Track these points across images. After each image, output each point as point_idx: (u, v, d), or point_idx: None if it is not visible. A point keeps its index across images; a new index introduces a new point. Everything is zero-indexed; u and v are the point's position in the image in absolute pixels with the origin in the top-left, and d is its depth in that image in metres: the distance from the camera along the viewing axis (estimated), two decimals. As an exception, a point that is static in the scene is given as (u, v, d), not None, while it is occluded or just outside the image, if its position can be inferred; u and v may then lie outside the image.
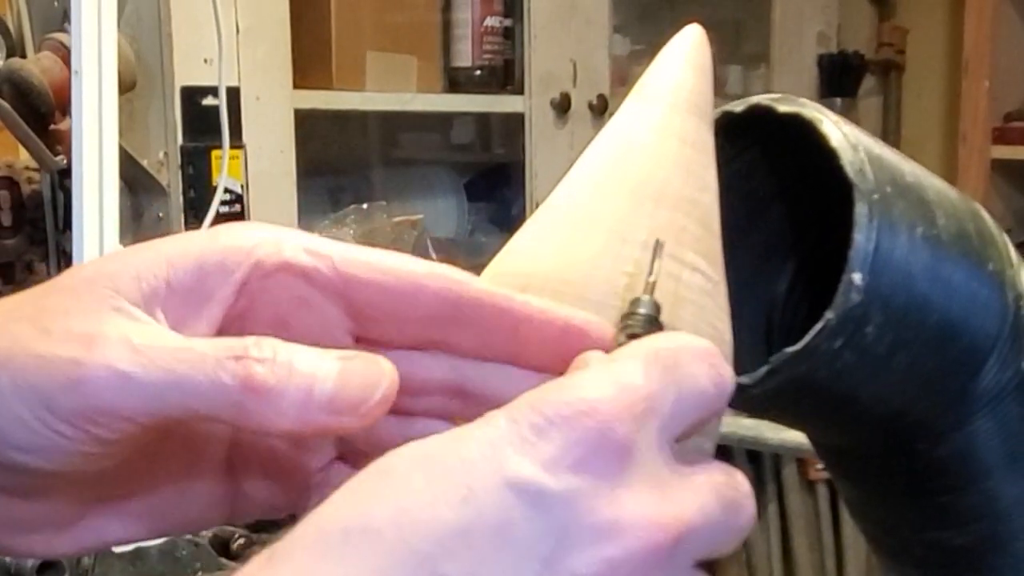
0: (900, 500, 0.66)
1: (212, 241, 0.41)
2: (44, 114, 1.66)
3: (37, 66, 1.68)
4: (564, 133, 2.41)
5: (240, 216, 1.88)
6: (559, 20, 2.39)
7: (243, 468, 0.46)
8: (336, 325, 0.42)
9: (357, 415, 0.38)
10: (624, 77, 2.70)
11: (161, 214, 1.84)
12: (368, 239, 1.86)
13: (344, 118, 2.22)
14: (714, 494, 0.38)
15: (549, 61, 2.38)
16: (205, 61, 1.86)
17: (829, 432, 0.63)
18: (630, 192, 0.49)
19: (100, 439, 0.38)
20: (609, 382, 0.37)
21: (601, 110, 2.43)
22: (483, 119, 2.58)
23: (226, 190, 1.86)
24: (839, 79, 3.28)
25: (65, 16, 1.84)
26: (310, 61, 2.12)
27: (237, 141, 1.88)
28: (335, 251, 0.41)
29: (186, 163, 1.81)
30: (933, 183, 0.60)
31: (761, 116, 0.59)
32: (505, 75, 2.38)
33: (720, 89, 2.90)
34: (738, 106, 0.60)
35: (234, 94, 1.89)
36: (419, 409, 0.44)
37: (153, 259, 0.40)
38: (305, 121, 2.05)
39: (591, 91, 2.42)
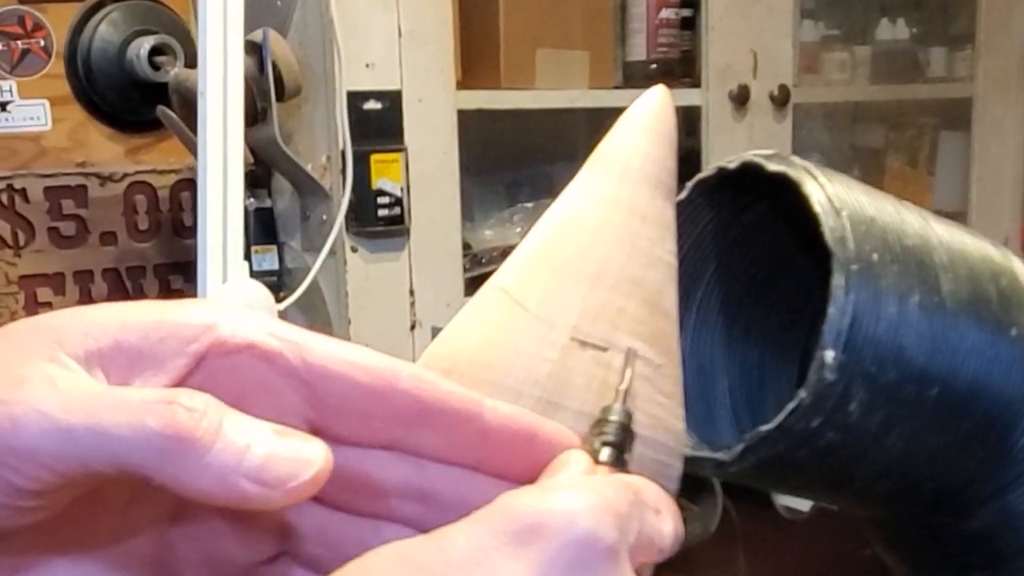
0: (934, 574, 0.62)
1: (173, 310, 0.40)
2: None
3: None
4: (743, 126, 2.35)
5: (400, 219, 1.90)
6: (739, 9, 2.33)
7: (182, 549, 0.45)
8: (295, 413, 0.41)
9: (282, 491, 0.36)
10: (812, 65, 2.62)
11: (325, 216, 1.87)
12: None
13: (518, 114, 2.21)
14: None
15: (728, 52, 2.32)
16: (367, 66, 1.89)
17: (838, 504, 0.60)
18: (565, 272, 0.47)
19: (18, 490, 0.37)
20: (590, 490, 0.36)
21: (782, 101, 2.36)
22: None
23: (385, 193, 1.88)
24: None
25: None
26: (477, 61, 2.12)
27: (398, 144, 1.91)
28: (302, 338, 0.40)
29: (347, 167, 1.84)
30: (949, 242, 0.56)
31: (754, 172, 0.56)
32: (682, 68, 2.34)
33: (921, 73, 2.79)
34: (731, 162, 0.57)
35: (396, 97, 1.91)
36: (376, 511, 0.43)
37: (106, 318, 0.39)
38: (473, 118, 2.06)
39: (772, 82, 2.35)
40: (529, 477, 0.40)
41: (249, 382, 0.40)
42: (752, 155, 0.56)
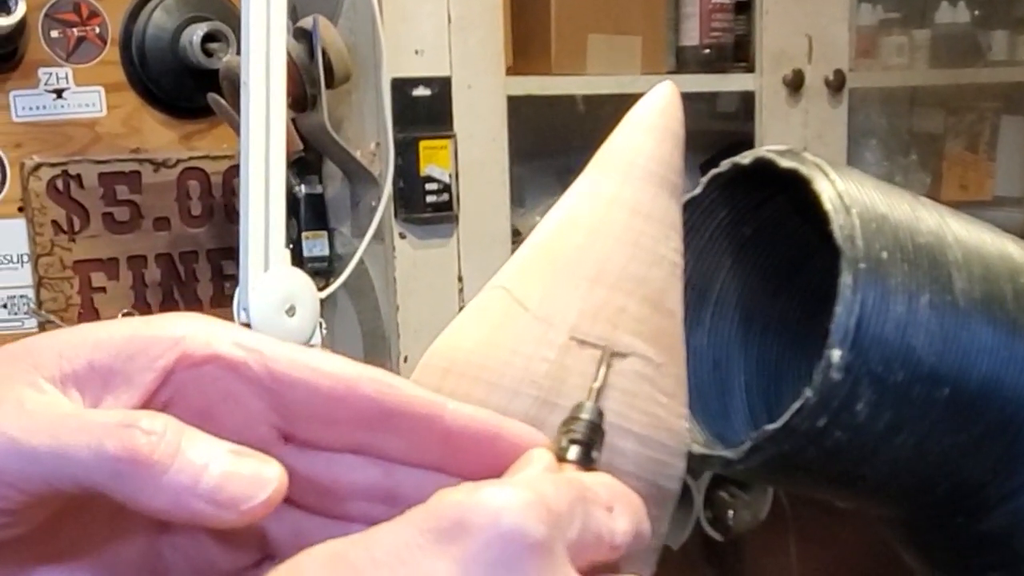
0: (952, 573, 0.61)
1: (142, 327, 0.41)
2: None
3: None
4: (798, 111, 2.32)
5: (448, 206, 1.90)
6: (794, -6, 2.31)
7: (170, 557, 0.46)
8: (262, 421, 0.42)
9: (236, 512, 0.37)
10: (869, 50, 2.58)
11: (374, 203, 1.88)
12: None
13: (569, 100, 2.21)
14: None
15: (782, 37, 2.30)
16: (417, 52, 1.89)
17: (851, 504, 0.59)
18: (565, 271, 0.47)
19: None
20: (522, 487, 0.36)
21: (837, 86, 2.33)
22: (713, 98, 2.51)
23: (434, 179, 1.88)
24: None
25: (294, 12, 1.91)
26: (528, 46, 2.12)
27: (447, 130, 1.91)
28: (266, 347, 0.41)
29: (396, 153, 1.84)
30: (966, 240, 0.55)
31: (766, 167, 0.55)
32: (735, 53, 2.32)
33: (981, 57, 2.75)
34: (745, 158, 0.56)
35: (445, 84, 1.91)
36: (346, 513, 0.44)
37: (80, 339, 0.41)
38: (524, 104, 2.05)
39: (827, 67, 2.32)
40: (494, 477, 0.40)
41: (217, 392, 0.41)
42: (765, 151, 0.56)
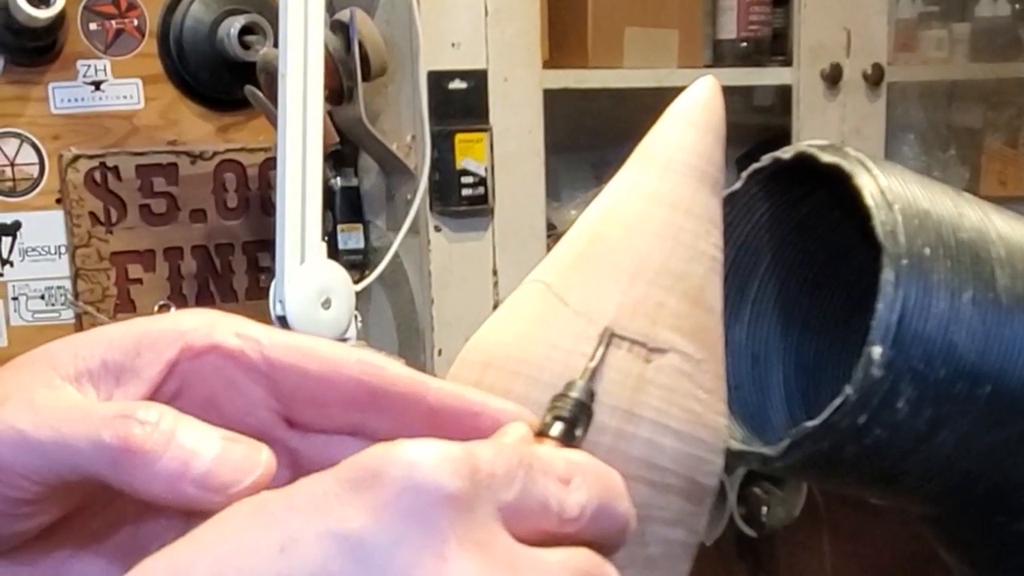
0: (991, 572, 0.60)
1: (151, 324, 0.43)
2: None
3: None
4: (835, 105, 2.31)
5: (484, 199, 1.90)
6: (833, -13, 2.29)
7: None
8: (262, 407, 0.43)
9: (225, 495, 0.39)
10: (908, 43, 2.56)
11: (409, 196, 1.88)
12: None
13: (606, 93, 2.20)
14: (567, 573, 0.36)
15: (821, 30, 2.28)
16: (453, 45, 1.89)
17: (890, 502, 0.59)
18: (605, 266, 0.47)
19: (8, 499, 0.40)
20: (448, 445, 0.36)
21: (876, 80, 2.31)
22: (750, 92, 2.50)
23: (469, 172, 1.88)
24: None
25: (331, 5, 1.92)
26: (565, 40, 2.11)
27: (483, 123, 1.91)
28: (264, 335, 0.43)
29: (431, 146, 1.84)
30: (1010, 236, 0.54)
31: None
32: (772, 46, 2.30)
33: (1022, 51, 2.72)
34: (786, 153, 0.56)
35: (481, 76, 1.91)
36: None
37: (95, 339, 0.43)
38: (560, 97, 2.05)
39: (866, 60, 2.30)
40: None
41: (219, 381, 0.43)
42: (807, 145, 0.55)
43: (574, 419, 0.42)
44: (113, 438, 0.38)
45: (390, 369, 0.42)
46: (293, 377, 0.42)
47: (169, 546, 0.36)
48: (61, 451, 0.38)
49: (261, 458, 0.39)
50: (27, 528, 0.42)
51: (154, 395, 0.42)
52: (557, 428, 0.41)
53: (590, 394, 0.43)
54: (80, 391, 0.41)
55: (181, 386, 0.43)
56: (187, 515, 0.46)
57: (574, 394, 0.42)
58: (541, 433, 0.41)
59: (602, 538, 0.39)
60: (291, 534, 0.34)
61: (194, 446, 0.39)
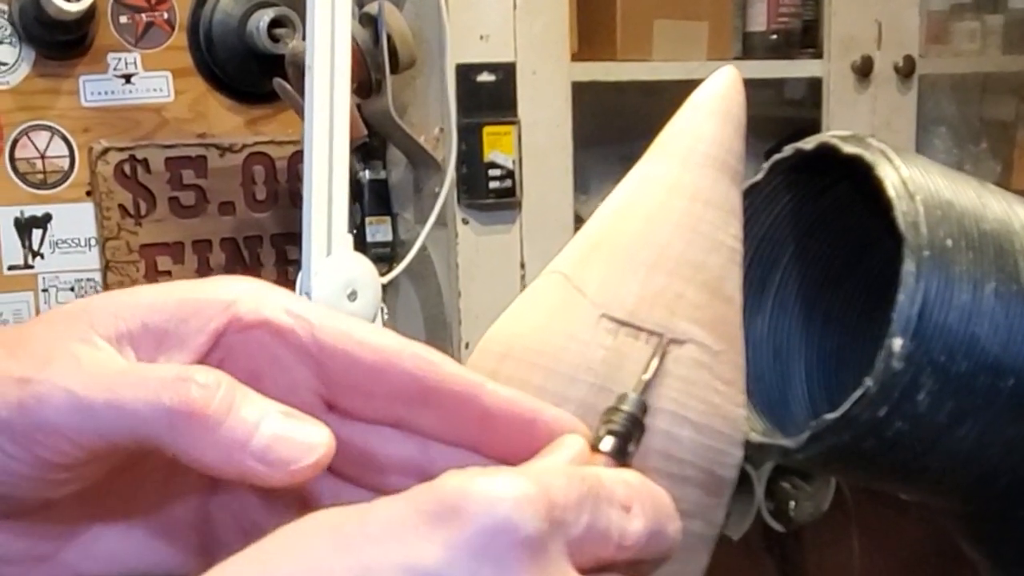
0: (1016, 571, 0.60)
1: (194, 290, 0.42)
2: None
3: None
4: (866, 98, 2.29)
5: (512, 192, 1.90)
6: (864, -21, 2.28)
7: (219, 516, 0.46)
8: (306, 388, 0.42)
9: (285, 472, 0.38)
10: (939, 35, 2.54)
11: (437, 188, 1.88)
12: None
13: (635, 86, 2.19)
14: None
15: (851, 22, 2.27)
16: (481, 38, 1.89)
17: (911, 495, 0.58)
18: (623, 257, 0.47)
19: (48, 463, 0.39)
20: (526, 477, 0.35)
21: (907, 72, 2.30)
22: (780, 84, 2.49)
23: (497, 165, 1.88)
24: None
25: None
26: (593, 32, 2.11)
27: (511, 116, 1.91)
28: (315, 315, 0.41)
29: (459, 139, 1.84)
30: (1033, 227, 0.54)
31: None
32: (803, 38, 2.29)
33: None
34: (808, 143, 0.56)
35: (509, 69, 1.91)
36: (380, 485, 0.44)
37: (134, 300, 0.41)
38: (589, 89, 2.04)
39: (897, 53, 2.29)
40: (528, 460, 0.40)
41: (265, 357, 0.41)
42: (829, 136, 0.55)
43: (627, 434, 0.42)
44: (173, 400, 0.37)
45: (445, 367, 0.41)
46: (342, 363, 0.41)
47: (232, 562, 0.35)
48: (115, 413, 0.37)
49: (323, 438, 0.39)
50: (55, 496, 0.41)
51: (198, 364, 0.41)
52: (609, 443, 0.41)
53: (644, 408, 0.42)
54: (120, 353, 0.40)
55: (224, 358, 0.41)
56: (211, 484, 0.46)
57: (627, 408, 0.42)
58: (594, 448, 0.41)
59: (650, 557, 0.39)
60: (367, 563, 0.34)
61: (255, 417, 0.38)
